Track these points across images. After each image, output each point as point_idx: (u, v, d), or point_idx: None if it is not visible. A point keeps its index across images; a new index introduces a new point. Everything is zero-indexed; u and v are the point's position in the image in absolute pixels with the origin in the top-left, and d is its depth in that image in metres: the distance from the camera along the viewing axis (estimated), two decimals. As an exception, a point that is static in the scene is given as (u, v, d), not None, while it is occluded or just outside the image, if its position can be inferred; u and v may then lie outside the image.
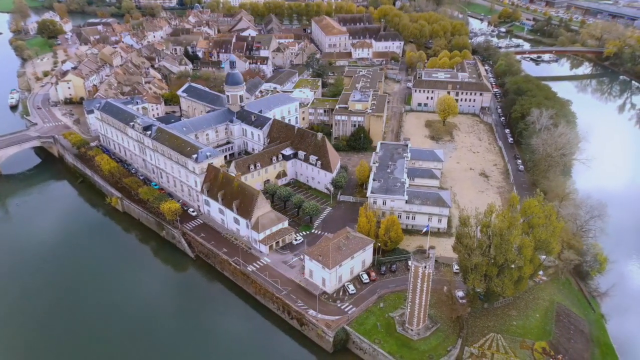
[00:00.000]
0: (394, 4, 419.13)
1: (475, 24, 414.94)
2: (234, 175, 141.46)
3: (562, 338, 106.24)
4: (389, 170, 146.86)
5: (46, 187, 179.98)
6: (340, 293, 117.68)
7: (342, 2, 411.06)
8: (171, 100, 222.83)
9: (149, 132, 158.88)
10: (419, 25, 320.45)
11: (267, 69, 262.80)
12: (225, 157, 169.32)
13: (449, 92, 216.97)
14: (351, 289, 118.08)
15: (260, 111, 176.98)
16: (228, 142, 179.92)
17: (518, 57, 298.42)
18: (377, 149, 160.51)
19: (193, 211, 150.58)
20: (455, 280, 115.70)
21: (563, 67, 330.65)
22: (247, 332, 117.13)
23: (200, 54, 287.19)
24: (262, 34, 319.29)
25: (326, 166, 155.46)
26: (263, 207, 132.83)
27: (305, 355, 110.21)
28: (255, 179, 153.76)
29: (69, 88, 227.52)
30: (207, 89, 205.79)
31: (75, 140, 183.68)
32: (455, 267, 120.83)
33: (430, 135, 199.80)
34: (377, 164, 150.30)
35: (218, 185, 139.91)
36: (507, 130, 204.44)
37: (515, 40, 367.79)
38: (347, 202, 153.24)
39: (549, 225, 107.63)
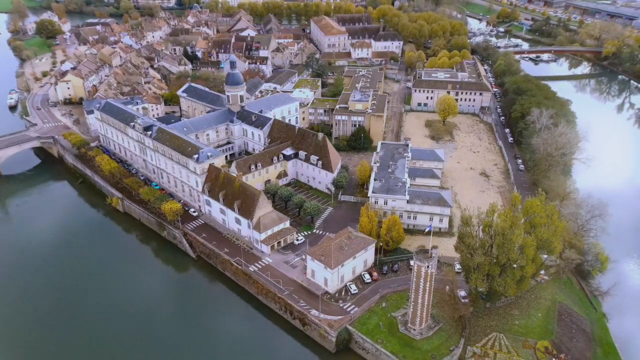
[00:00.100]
0: (392, 4, 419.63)
1: (473, 24, 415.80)
2: (235, 175, 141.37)
3: (564, 337, 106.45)
4: (390, 170, 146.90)
5: (46, 187, 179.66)
6: (343, 293, 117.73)
7: (340, 2, 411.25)
8: (171, 100, 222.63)
9: (149, 133, 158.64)
10: (418, 25, 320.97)
11: (267, 69, 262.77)
12: (226, 157, 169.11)
13: (448, 92, 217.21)
14: (353, 288, 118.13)
15: (261, 111, 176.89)
16: (228, 142, 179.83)
17: (517, 56, 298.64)
18: (378, 149, 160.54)
19: (194, 211, 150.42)
20: (458, 279, 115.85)
21: (562, 67, 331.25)
22: (249, 332, 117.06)
23: (199, 54, 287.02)
24: (261, 34, 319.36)
25: (327, 166, 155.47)
26: (264, 207, 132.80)
27: (307, 355, 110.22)
28: (256, 179, 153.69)
29: (69, 88, 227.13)
30: (207, 89, 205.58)
31: (75, 141, 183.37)
32: (457, 266, 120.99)
33: (430, 135, 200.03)
34: (378, 164, 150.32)
35: (219, 185, 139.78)
36: (507, 130, 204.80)
37: (514, 40, 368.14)
38: (348, 202, 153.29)
39: (550, 225, 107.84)
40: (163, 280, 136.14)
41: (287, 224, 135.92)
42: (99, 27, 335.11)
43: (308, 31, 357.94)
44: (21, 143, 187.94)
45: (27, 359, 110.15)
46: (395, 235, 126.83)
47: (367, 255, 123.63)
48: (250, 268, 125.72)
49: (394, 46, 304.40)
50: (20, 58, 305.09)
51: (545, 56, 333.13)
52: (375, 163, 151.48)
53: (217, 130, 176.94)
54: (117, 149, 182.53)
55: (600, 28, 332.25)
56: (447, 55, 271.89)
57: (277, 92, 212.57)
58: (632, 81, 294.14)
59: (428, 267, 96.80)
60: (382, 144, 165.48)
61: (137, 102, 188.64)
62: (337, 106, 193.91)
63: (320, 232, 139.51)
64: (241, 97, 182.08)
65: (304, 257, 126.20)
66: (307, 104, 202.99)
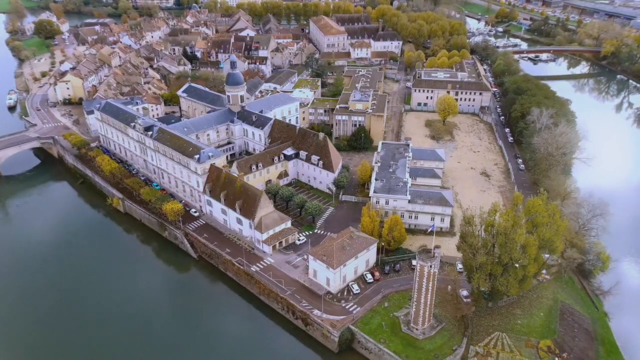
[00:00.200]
0: (391, 4, 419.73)
1: (472, 24, 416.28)
2: (236, 175, 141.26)
3: (566, 336, 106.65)
4: (391, 170, 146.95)
5: (46, 188, 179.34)
6: (345, 293, 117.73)
7: (339, 2, 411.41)
8: (171, 100, 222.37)
9: (150, 133, 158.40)
10: (418, 25, 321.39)
11: (266, 69, 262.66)
12: (227, 157, 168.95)
13: (448, 92, 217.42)
14: (355, 288, 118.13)
15: (261, 111, 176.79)
16: (229, 143, 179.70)
17: (516, 56, 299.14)
18: (379, 149, 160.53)
19: (195, 212, 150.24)
20: (459, 279, 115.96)
21: (560, 67, 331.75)
22: (252, 332, 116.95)
23: (198, 54, 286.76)
24: (260, 34, 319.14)
25: (328, 166, 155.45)
26: (266, 207, 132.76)
27: (310, 355, 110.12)
28: (257, 179, 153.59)
29: (68, 89, 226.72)
30: (207, 89, 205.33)
31: (76, 141, 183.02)
32: (459, 266, 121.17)
33: (430, 134, 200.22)
34: (379, 164, 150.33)
35: (220, 185, 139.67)
36: (507, 130, 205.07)
37: (512, 40, 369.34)
38: (349, 202, 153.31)
39: (552, 224, 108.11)
40: (164, 281, 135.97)
41: (289, 224, 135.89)
42: (97, 28, 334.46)
43: (307, 31, 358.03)
44: (21, 143, 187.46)
45: (28, 359, 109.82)
46: (397, 235, 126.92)
47: (369, 255, 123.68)
48: (252, 268, 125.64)
49: (393, 46, 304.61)
50: (19, 58, 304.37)
51: (544, 56, 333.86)
52: (376, 163, 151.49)
53: (218, 131, 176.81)
54: (118, 149, 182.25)
55: (599, 28, 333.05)
56: (446, 55, 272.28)
57: (277, 92, 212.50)
58: (630, 81, 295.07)
59: (431, 266, 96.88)
60: (382, 143, 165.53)
61: (137, 103, 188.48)
62: (338, 106, 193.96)
63: (322, 232, 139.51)
64: (242, 97, 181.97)
65: (305, 257, 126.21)
66: (307, 104, 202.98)
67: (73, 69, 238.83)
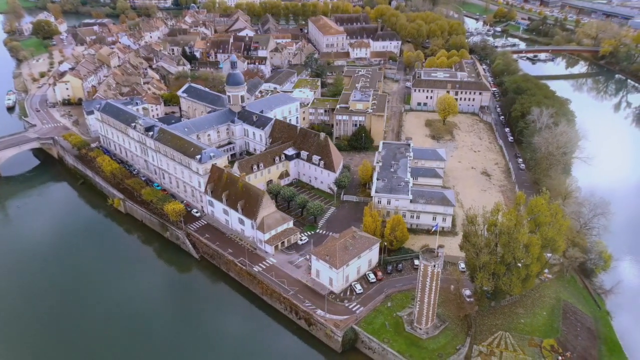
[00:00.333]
0: (389, 4, 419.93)
1: (470, 24, 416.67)
2: (237, 175, 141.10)
3: (569, 335, 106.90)
4: (392, 170, 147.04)
5: (46, 188, 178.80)
6: (348, 293, 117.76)
7: (338, 2, 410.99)
8: (170, 100, 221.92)
9: (151, 133, 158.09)
10: (417, 24, 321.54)
11: (266, 69, 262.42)
12: (227, 157, 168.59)
13: (448, 92, 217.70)
14: (358, 288, 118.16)
15: (262, 111, 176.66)
16: (229, 143, 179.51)
17: (515, 56, 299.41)
18: (380, 149, 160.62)
19: (196, 212, 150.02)
20: (462, 278, 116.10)
21: (559, 66, 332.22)
22: (254, 332, 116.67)
23: (197, 54, 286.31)
24: (259, 34, 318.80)
25: (329, 166, 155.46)
26: (268, 208, 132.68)
27: (314, 356, 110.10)
28: (258, 179, 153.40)
29: (67, 89, 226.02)
30: (207, 90, 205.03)
31: (76, 142, 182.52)
32: (462, 265, 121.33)
33: (430, 134, 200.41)
34: (380, 164, 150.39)
35: (222, 185, 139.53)
36: (506, 129, 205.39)
37: (511, 40, 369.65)
38: (350, 201, 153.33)
39: (555, 223, 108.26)
40: (166, 281, 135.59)
41: (291, 224, 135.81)
42: (96, 28, 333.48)
43: (306, 31, 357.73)
44: (20, 144, 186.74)
45: (28, 359, 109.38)
46: (399, 235, 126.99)
47: (372, 255, 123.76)
48: (254, 268, 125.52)
49: (393, 46, 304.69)
50: (17, 59, 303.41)
51: (542, 55, 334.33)
52: (377, 163, 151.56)
53: (218, 131, 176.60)
54: (118, 149, 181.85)
55: (597, 27, 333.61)
56: (445, 54, 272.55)
57: (277, 92, 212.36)
58: (629, 80, 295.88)
59: (434, 266, 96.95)
60: (383, 143, 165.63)
61: (137, 103, 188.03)
62: (338, 106, 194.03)
63: (324, 232, 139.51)
64: (242, 97, 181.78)
65: (308, 257, 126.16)
66: (308, 104, 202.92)
67: (72, 69, 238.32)
